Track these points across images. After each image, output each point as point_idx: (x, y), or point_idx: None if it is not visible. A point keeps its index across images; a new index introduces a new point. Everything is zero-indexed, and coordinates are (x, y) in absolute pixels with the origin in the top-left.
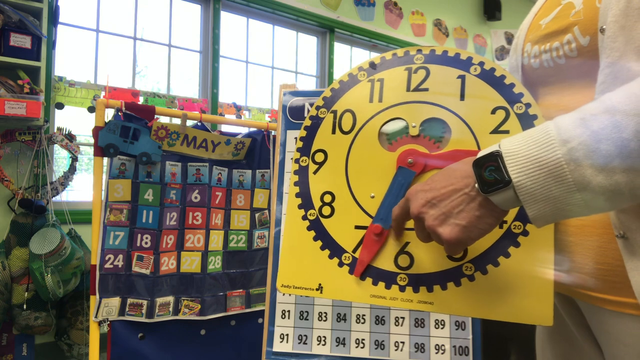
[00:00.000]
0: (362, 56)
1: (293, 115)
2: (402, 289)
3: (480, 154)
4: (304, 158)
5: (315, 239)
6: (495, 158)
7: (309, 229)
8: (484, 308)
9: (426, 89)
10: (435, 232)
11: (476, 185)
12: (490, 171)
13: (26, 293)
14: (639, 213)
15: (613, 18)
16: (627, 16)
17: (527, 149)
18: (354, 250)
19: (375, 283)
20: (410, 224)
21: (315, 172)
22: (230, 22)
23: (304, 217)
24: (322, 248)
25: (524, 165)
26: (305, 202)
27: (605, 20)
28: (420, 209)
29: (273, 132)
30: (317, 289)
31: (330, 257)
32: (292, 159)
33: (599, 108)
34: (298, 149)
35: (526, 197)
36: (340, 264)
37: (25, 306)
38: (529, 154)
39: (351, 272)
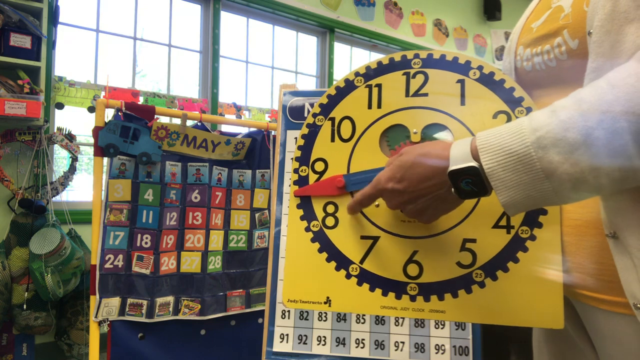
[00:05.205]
0: (362, 56)
1: (293, 115)
2: (412, 298)
3: (454, 167)
4: (304, 168)
5: (320, 250)
6: (473, 172)
7: (313, 240)
8: (495, 314)
9: (426, 94)
10: (414, 218)
11: (452, 190)
12: (467, 183)
13: (26, 293)
14: (629, 212)
15: (599, 22)
16: (612, 20)
17: (500, 138)
18: (362, 261)
19: (385, 294)
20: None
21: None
22: (230, 22)
23: (307, 229)
24: (328, 260)
25: (496, 153)
26: (308, 213)
27: (592, 24)
28: (399, 206)
29: (273, 132)
30: (325, 303)
31: (337, 269)
32: (291, 160)
33: (568, 101)
34: (297, 159)
35: (497, 183)
36: (348, 276)
37: (25, 306)
38: (501, 142)
39: (359, 283)
